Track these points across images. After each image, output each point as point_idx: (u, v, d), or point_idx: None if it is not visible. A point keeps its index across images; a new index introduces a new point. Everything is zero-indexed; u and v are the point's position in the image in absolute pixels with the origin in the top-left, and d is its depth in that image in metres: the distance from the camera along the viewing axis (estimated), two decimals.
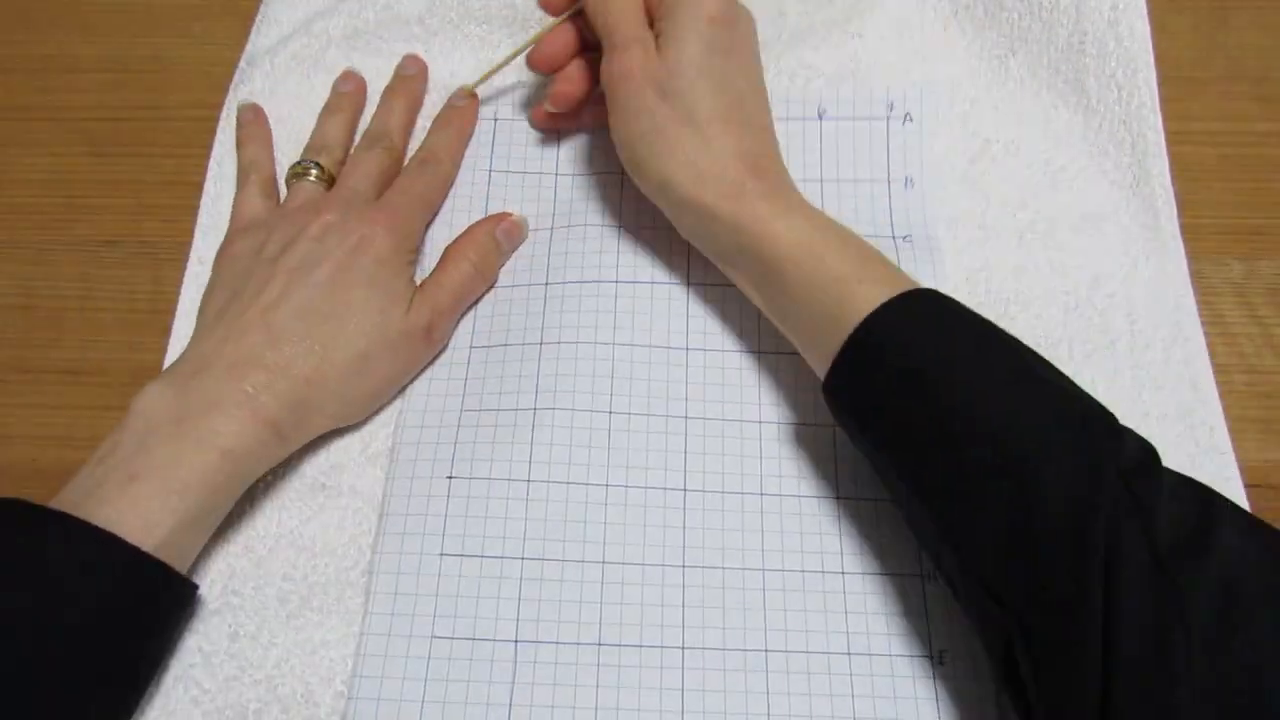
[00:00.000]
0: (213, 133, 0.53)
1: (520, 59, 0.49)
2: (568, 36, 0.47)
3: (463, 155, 0.51)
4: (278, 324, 0.41)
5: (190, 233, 0.50)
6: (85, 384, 0.47)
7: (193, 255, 0.49)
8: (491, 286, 0.48)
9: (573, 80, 0.48)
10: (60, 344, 0.48)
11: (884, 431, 0.38)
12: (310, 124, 0.52)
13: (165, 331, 0.47)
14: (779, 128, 0.52)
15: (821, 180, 0.50)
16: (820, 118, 0.51)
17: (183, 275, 0.49)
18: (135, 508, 0.36)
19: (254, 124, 0.51)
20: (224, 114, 0.53)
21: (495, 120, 0.52)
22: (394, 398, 0.45)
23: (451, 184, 0.50)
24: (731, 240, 0.42)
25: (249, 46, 0.55)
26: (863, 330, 0.37)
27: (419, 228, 0.47)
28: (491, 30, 0.55)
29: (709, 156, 0.41)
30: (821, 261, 0.39)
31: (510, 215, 0.48)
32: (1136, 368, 0.45)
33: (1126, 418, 0.44)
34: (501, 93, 0.53)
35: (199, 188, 0.51)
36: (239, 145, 0.51)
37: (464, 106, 0.52)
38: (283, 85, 0.53)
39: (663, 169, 0.42)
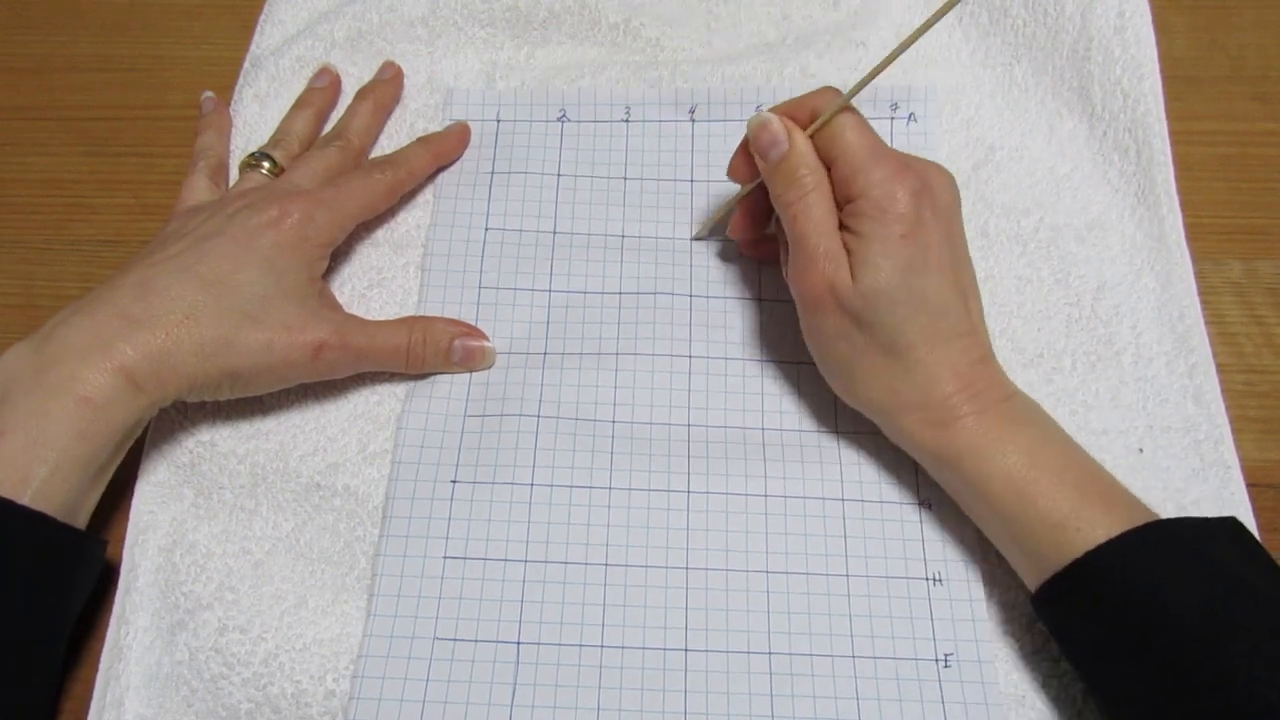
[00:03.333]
0: None
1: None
2: (763, 204, 0.45)
3: (426, 174, 0.51)
4: (152, 278, 0.41)
5: None
6: None
7: None
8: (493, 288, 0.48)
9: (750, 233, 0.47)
10: None
11: (1100, 664, 0.37)
12: None
13: None
14: None
15: None
16: None
17: None
18: (7, 464, 0.36)
19: (213, 113, 0.52)
20: (229, 114, 0.53)
21: (498, 122, 0.52)
22: (261, 389, 0.44)
23: (399, 194, 0.49)
24: (937, 467, 0.40)
25: (253, 48, 0.56)
26: (1077, 569, 0.36)
27: (341, 225, 0.46)
28: (495, 33, 0.55)
29: (910, 384, 0.39)
30: (1033, 505, 0.37)
31: (483, 340, 0.46)
32: (1141, 380, 0.46)
33: (1130, 431, 0.44)
34: (504, 95, 0.53)
35: None
36: (198, 132, 0.51)
37: (453, 133, 0.52)
38: (287, 87, 0.54)
39: (864, 394, 0.41)
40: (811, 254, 0.40)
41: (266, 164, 0.48)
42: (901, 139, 0.51)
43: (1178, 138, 0.50)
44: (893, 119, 0.51)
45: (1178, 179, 0.49)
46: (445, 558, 0.42)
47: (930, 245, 0.39)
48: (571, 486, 0.43)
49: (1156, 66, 0.51)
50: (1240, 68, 0.54)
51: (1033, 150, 0.51)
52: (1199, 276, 0.47)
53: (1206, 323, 0.46)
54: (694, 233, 0.49)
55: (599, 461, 0.44)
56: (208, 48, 0.56)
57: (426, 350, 0.45)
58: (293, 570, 0.42)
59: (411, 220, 0.50)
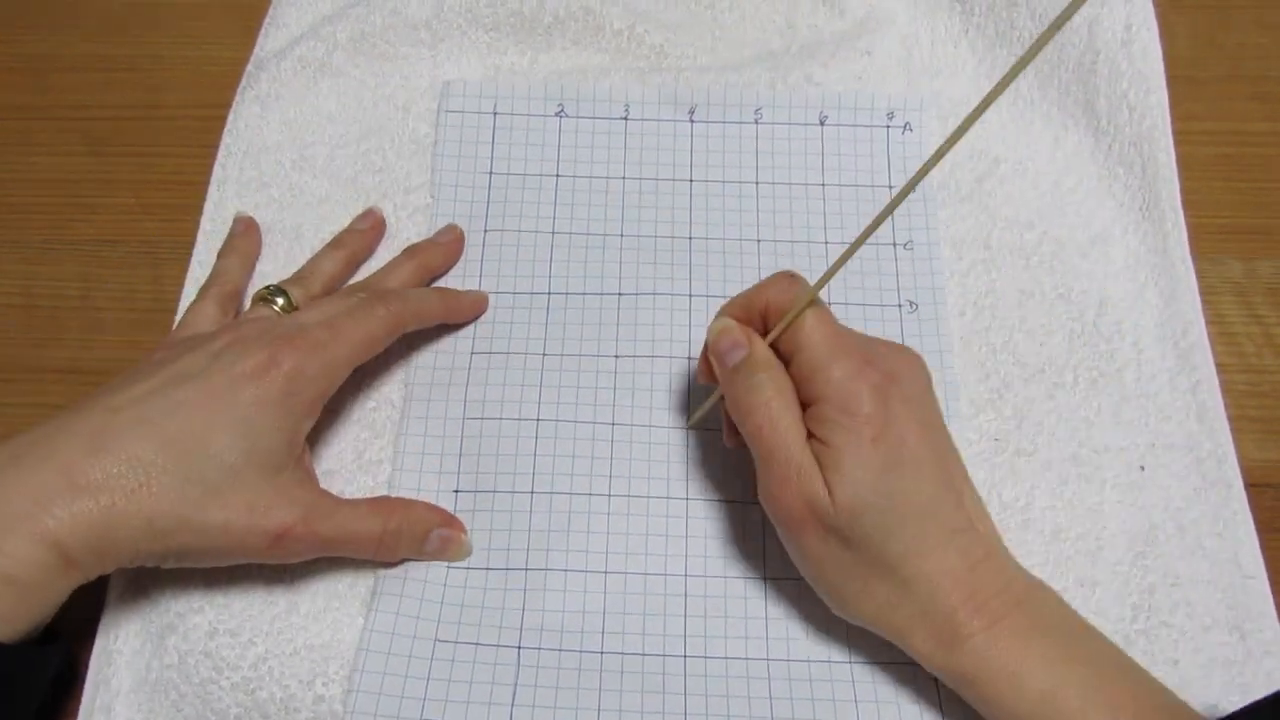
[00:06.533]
0: (212, 132, 0.53)
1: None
2: None
3: (433, 323, 0.46)
4: (108, 430, 0.36)
5: (191, 232, 0.50)
6: (85, 384, 0.47)
7: (194, 258, 0.50)
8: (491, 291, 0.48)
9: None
10: (60, 344, 0.49)
11: None
12: (315, 126, 0.53)
13: (165, 332, 0.47)
14: (782, 133, 0.50)
15: (824, 185, 0.51)
16: (821, 123, 0.52)
17: (184, 275, 0.49)
18: None
19: (242, 236, 0.49)
20: (231, 116, 0.53)
21: (495, 114, 0.52)
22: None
23: (400, 333, 0.43)
24: (954, 685, 0.37)
25: (256, 50, 0.56)
26: None
27: (335, 377, 0.41)
28: (499, 37, 0.55)
29: (909, 600, 0.36)
30: None
31: (460, 532, 0.42)
32: (1143, 397, 0.45)
33: (1132, 448, 0.44)
34: (501, 87, 0.53)
35: (199, 187, 0.52)
36: (220, 253, 0.48)
37: (469, 297, 0.47)
38: (288, 89, 0.54)
39: (862, 613, 0.38)
40: (783, 470, 0.37)
41: (280, 300, 0.43)
42: (897, 149, 0.51)
43: (1177, 138, 0.50)
44: (888, 128, 0.51)
45: (1179, 181, 0.49)
46: (448, 567, 0.42)
47: (905, 441, 0.36)
48: (571, 494, 0.43)
49: (1163, 80, 0.51)
50: (1240, 68, 0.55)
51: (1037, 163, 0.51)
52: (1199, 276, 0.47)
53: (1207, 323, 0.47)
54: (689, 422, 0.45)
55: (598, 468, 0.44)
56: (208, 48, 0.57)
57: (401, 540, 0.41)
58: (284, 575, 0.42)
59: (411, 226, 0.50)
